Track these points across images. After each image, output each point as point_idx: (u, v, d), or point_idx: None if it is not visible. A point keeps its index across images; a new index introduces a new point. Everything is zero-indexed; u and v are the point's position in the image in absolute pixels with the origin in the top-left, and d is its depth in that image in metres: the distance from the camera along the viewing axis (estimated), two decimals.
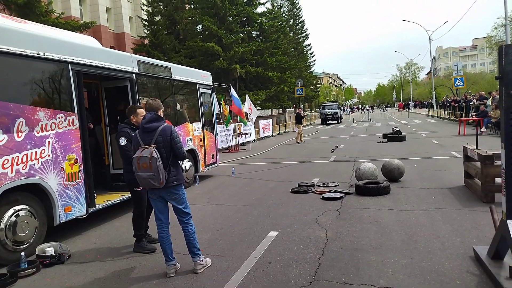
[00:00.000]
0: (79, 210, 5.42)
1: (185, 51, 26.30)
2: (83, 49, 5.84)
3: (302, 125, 19.72)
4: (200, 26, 28.09)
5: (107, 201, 6.14)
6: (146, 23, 27.31)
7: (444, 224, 4.96)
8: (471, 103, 22.10)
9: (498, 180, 5.42)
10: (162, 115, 4.07)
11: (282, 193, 7.47)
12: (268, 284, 3.58)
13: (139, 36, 28.95)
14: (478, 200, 5.94)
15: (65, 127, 5.28)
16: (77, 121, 5.48)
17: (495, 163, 5.76)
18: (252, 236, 4.98)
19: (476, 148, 6.48)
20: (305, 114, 20.35)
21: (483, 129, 16.65)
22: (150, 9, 26.94)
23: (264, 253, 4.34)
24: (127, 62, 6.77)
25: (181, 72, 8.78)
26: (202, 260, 3.98)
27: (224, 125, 16.44)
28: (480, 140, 7.02)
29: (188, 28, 27.60)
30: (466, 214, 5.33)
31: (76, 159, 5.42)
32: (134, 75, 6.85)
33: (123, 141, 4.59)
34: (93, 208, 5.73)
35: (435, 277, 3.49)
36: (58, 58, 5.23)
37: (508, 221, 3.24)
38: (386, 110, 60.38)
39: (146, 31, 27.53)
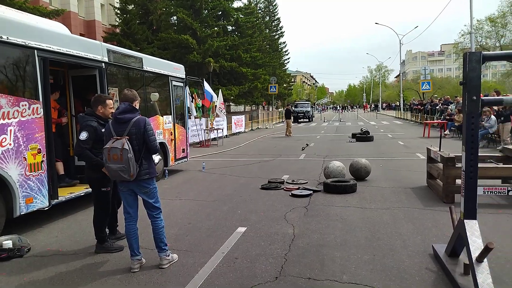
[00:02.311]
0: (41, 202, 5.22)
1: (158, 43, 25.81)
2: (50, 35, 5.60)
3: (291, 120, 20.48)
4: (175, 17, 27.67)
5: (71, 193, 5.96)
6: (119, 12, 26.61)
7: (406, 223, 5.14)
8: (437, 107, 22.96)
9: (459, 181, 5.68)
10: (137, 107, 3.98)
11: (252, 189, 7.50)
12: (234, 279, 3.60)
13: (111, 25, 28.18)
14: (439, 200, 6.19)
15: (29, 115, 5.06)
16: (42, 109, 5.27)
17: (456, 165, 6.02)
18: (220, 231, 4.98)
19: (439, 150, 6.75)
20: (290, 109, 21.08)
21: (446, 132, 17.33)
22: None
23: (232, 248, 4.35)
24: (96, 50, 6.56)
25: (153, 64, 8.61)
26: (169, 256, 3.94)
27: (196, 119, 16.28)
28: (443, 143, 7.30)
29: (162, 19, 27.10)
30: (427, 213, 5.55)
31: (40, 149, 5.21)
32: (103, 64, 6.65)
33: (83, 136, 4.22)
34: (56, 200, 5.53)
35: (396, 273, 3.62)
36: (23, 43, 4.99)
37: (466, 221, 3.39)
38: (353, 110, 62.60)
39: (118, 20, 26.82)
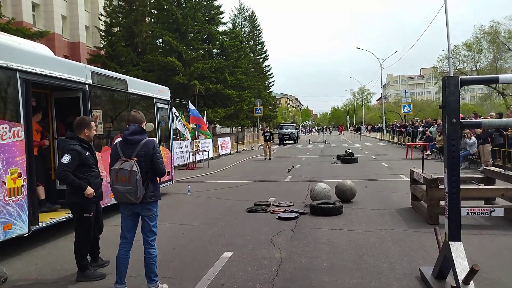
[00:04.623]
0: (20, 228, 5.03)
1: (143, 65, 25.85)
2: (33, 56, 5.56)
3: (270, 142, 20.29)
4: (160, 40, 27.84)
5: (51, 218, 5.78)
6: (103, 34, 26.65)
7: (393, 245, 5.14)
8: (418, 129, 23.46)
9: (442, 202, 5.75)
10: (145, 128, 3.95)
11: (238, 212, 7.42)
12: None
13: (95, 47, 28.18)
14: (424, 222, 6.24)
15: (9, 138, 4.94)
16: (23, 132, 5.16)
17: (439, 187, 6.10)
18: (206, 256, 4.88)
19: (422, 171, 6.85)
20: (269, 131, 20.87)
21: (428, 153, 17.65)
22: (108, 20, 26.37)
23: (218, 274, 4.26)
24: (80, 72, 6.52)
25: (137, 86, 8.60)
26: (158, 286, 3.78)
27: (183, 141, 16.23)
28: (425, 164, 7.43)
29: (147, 42, 27.25)
30: (413, 235, 5.57)
31: (20, 173, 5.07)
32: (87, 86, 6.61)
33: (66, 159, 4.07)
34: (36, 226, 5.35)
35: None
36: (4, 65, 4.93)
37: (451, 243, 3.42)
38: (330, 133, 66.09)
39: (103, 42, 26.84)
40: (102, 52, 26.79)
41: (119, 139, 3.91)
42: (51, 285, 4.11)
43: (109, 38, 26.41)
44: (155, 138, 9.18)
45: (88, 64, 8.60)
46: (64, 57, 8.34)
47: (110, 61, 24.90)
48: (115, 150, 3.83)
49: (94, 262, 4.53)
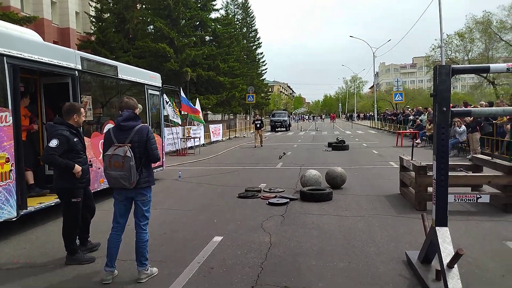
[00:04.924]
0: (9, 212, 5.00)
1: (134, 51, 25.51)
2: (21, 41, 5.45)
3: (261, 129, 20.21)
4: (151, 26, 27.44)
5: (40, 203, 5.75)
6: (94, 20, 26.21)
7: (381, 230, 5.23)
8: (409, 117, 23.62)
9: (430, 189, 5.83)
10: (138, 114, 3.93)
11: (229, 198, 7.46)
12: None
13: (86, 33, 27.68)
14: (412, 208, 6.33)
15: None
16: (11, 117, 5.09)
17: (428, 174, 6.19)
18: (196, 241, 4.91)
19: (412, 159, 6.92)
20: (260, 119, 20.67)
21: (418, 141, 17.82)
22: (98, 5, 25.90)
23: (208, 258, 4.30)
24: (69, 58, 6.43)
25: (128, 72, 8.50)
26: (148, 270, 3.81)
27: (174, 128, 16.18)
28: (415, 152, 7.51)
29: (138, 28, 26.84)
30: (400, 221, 5.66)
31: (8, 158, 5.02)
32: (76, 72, 6.52)
33: (54, 143, 4.03)
34: (24, 211, 5.33)
35: (370, 281, 3.66)
36: None
37: (437, 228, 3.48)
38: (322, 120, 67.03)
39: (93, 28, 26.41)
40: (93, 38, 26.38)
41: (110, 125, 3.89)
42: (40, 269, 4.11)
43: (100, 24, 25.99)
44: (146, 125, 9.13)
45: (78, 50, 8.47)
46: (53, 43, 8.19)
47: (101, 47, 24.55)
48: (108, 136, 3.81)
49: (83, 246, 4.53)
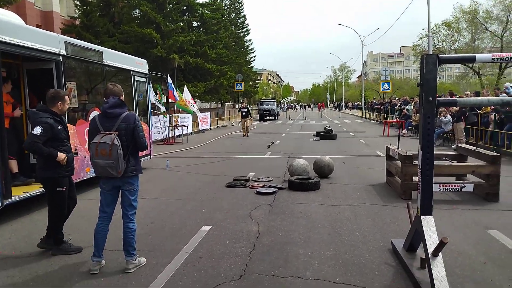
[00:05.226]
0: None
1: (119, 36, 25.02)
2: (2, 24, 5.27)
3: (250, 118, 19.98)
4: (138, 10, 26.89)
5: (25, 192, 5.66)
6: (78, 3, 25.53)
7: (367, 219, 5.30)
8: (396, 107, 23.83)
9: (416, 178, 5.92)
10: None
11: (217, 187, 7.45)
12: (198, 278, 3.56)
13: (70, 17, 27.01)
14: (398, 197, 6.43)
15: None
16: None
17: (413, 163, 6.27)
18: (184, 230, 4.91)
19: (398, 148, 7.00)
20: (246, 107, 20.24)
21: (404, 131, 18.03)
22: None
23: (196, 247, 4.30)
24: (53, 42, 6.26)
25: (114, 58, 8.33)
26: (135, 260, 3.79)
27: (161, 116, 16.02)
28: (401, 141, 7.59)
29: (124, 12, 26.27)
30: (386, 209, 5.75)
31: None
32: (60, 57, 6.36)
33: (38, 130, 3.91)
34: (9, 200, 5.23)
35: (357, 269, 3.72)
36: None
37: (422, 217, 3.54)
38: (311, 109, 67.90)
39: (77, 12, 25.76)
40: (77, 22, 25.73)
41: (95, 112, 3.81)
42: (25, 259, 4.06)
43: (84, 7, 25.33)
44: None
45: (62, 34, 8.24)
46: (36, 27, 7.94)
47: (85, 31, 23.99)
48: (94, 124, 3.72)
49: (49, 239, 4.29)
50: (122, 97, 3.87)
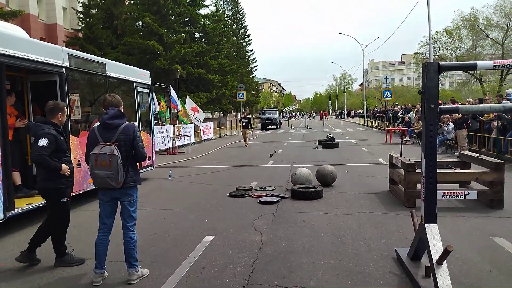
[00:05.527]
0: None
1: (122, 47, 25.22)
2: (6, 38, 5.34)
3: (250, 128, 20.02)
4: (140, 22, 27.13)
5: (28, 204, 5.67)
6: (81, 16, 25.83)
7: (370, 227, 5.27)
8: (398, 114, 23.82)
9: (419, 186, 5.89)
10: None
11: (220, 197, 7.44)
12: None
13: (73, 29, 27.27)
14: (401, 205, 6.39)
15: None
16: None
17: (417, 171, 6.25)
18: (187, 241, 4.89)
19: (401, 156, 6.99)
20: (247, 117, 20.40)
21: (407, 138, 17.99)
22: (86, 1, 25.51)
23: (199, 258, 4.28)
24: (57, 55, 6.33)
25: (117, 69, 8.40)
26: (138, 271, 3.77)
27: (164, 125, 16.09)
28: (404, 149, 7.58)
29: (127, 24, 26.52)
30: (390, 218, 5.71)
31: None
32: (64, 69, 6.43)
33: (43, 142, 3.93)
34: (12, 212, 5.24)
35: (361, 278, 3.69)
36: None
37: (426, 225, 3.52)
38: (313, 118, 68.48)
39: (80, 24, 26.03)
40: (80, 35, 25.99)
41: (98, 123, 3.83)
42: (28, 272, 4.05)
43: (87, 20, 25.61)
44: (135, 123, 9.05)
45: (65, 47, 8.34)
46: (40, 40, 8.06)
47: (88, 43, 24.21)
48: (93, 135, 3.74)
49: (30, 253, 4.20)
50: (121, 108, 3.89)
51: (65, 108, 4.32)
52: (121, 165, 3.56)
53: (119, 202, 3.81)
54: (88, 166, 3.72)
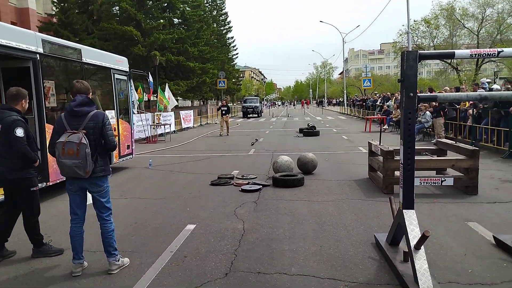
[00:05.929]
0: None
1: (99, 33, 24.57)
2: None
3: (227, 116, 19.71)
4: (117, 7, 26.43)
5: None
6: (56, 0, 24.93)
7: (350, 214, 5.36)
8: (377, 103, 24.15)
9: (397, 173, 6.01)
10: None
11: (201, 185, 7.40)
12: (183, 278, 3.53)
13: (47, 14, 26.33)
14: (380, 191, 6.52)
15: None
16: None
17: (395, 158, 6.37)
18: (169, 230, 4.86)
19: (380, 144, 7.10)
20: (226, 105, 19.97)
21: (385, 126, 18.30)
22: None
23: (180, 247, 4.27)
24: (30, 40, 6.09)
25: (93, 55, 8.17)
26: (118, 260, 3.71)
27: (143, 114, 15.85)
28: (383, 137, 7.68)
29: (103, 9, 25.80)
30: (369, 204, 5.82)
31: None
32: (38, 55, 6.20)
33: (20, 132, 3.83)
34: None
35: (341, 263, 3.76)
36: None
37: (404, 211, 3.60)
38: (294, 106, 68.36)
39: (55, 9, 25.15)
40: (54, 20, 25.14)
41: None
42: (3, 263, 3.95)
43: (62, 4, 24.77)
44: (113, 111, 8.85)
45: (39, 32, 8.03)
46: (11, 24, 7.72)
47: (63, 29, 23.48)
48: (60, 123, 3.58)
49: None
50: (90, 95, 3.75)
51: (27, 96, 4.16)
52: (90, 154, 3.43)
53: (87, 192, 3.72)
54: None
